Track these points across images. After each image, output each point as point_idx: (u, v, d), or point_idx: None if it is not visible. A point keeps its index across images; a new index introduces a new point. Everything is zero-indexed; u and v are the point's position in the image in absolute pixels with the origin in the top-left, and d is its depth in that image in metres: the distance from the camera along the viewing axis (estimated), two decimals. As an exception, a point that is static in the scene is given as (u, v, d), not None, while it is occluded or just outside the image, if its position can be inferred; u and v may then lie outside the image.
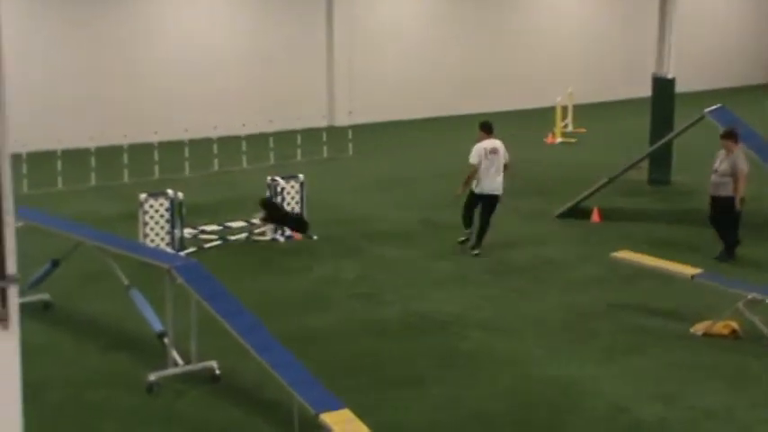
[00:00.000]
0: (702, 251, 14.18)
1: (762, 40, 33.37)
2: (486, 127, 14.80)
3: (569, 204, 16.51)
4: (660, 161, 18.48)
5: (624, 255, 12.65)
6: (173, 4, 24.21)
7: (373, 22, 26.86)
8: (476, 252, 14.43)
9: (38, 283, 11.75)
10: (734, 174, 13.71)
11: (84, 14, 23.08)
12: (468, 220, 14.79)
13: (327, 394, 8.39)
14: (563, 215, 16.44)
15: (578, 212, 16.38)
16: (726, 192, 13.82)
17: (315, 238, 15.21)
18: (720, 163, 13.91)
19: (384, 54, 27.03)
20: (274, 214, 15.12)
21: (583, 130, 24.76)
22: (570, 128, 24.87)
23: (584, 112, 26.00)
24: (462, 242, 14.75)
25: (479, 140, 14.67)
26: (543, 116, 25.75)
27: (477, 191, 14.59)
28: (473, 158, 14.50)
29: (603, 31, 30.58)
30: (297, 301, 12.42)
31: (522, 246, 14.95)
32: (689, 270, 11.77)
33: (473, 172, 14.47)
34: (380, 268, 13.81)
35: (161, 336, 10.03)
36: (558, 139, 23.84)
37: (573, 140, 23.92)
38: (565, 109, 24.89)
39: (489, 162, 14.49)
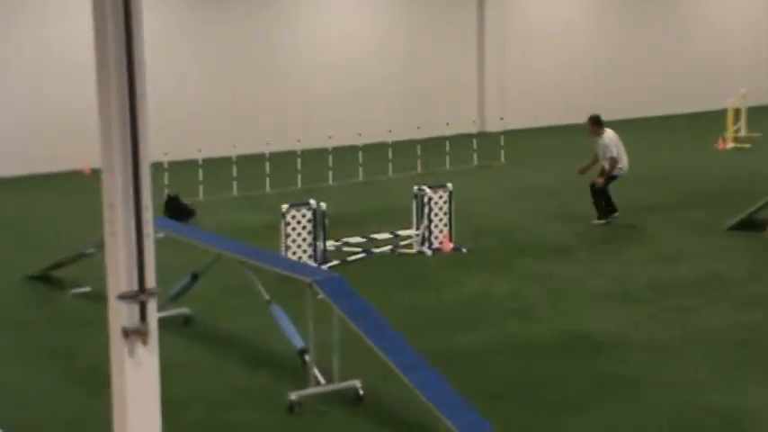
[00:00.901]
0: None
1: None
2: (600, 120, 16.80)
3: (741, 216, 16.06)
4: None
5: None
6: (315, 8, 24.61)
7: (526, 24, 26.74)
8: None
9: (178, 296, 12.10)
10: None
11: (229, 25, 23.69)
12: (605, 210, 16.66)
13: (477, 418, 8.35)
14: (734, 227, 16.00)
15: (752, 224, 15.92)
16: None
17: (464, 250, 15.21)
18: None
19: (537, 57, 26.86)
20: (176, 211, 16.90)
21: (757, 134, 24.05)
22: (743, 132, 24.19)
23: (759, 114, 25.25)
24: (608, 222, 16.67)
25: (598, 134, 16.73)
26: (713, 120, 25.11)
27: (616, 173, 16.63)
28: (613, 151, 16.52)
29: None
30: (444, 317, 12.43)
31: (689, 260, 14.61)
32: None
33: (614, 163, 16.43)
34: (534, 283, 13.70)
35: (302, 353, 10.19)
36: (730, 145, 23.23)
37: (746, 146, 23.26)
38: (737, 111, 24.22)
39: (621, 145, 16.66)
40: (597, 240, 15.82)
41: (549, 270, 14.31)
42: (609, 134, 16.70)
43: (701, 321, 12.06)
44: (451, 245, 15.33)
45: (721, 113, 24.27)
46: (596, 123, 16.81)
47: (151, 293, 5.56)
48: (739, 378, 10.31)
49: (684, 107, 28.12)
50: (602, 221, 16.71)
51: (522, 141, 24.30)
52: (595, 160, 17.03)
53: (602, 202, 16.79)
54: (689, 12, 28.88)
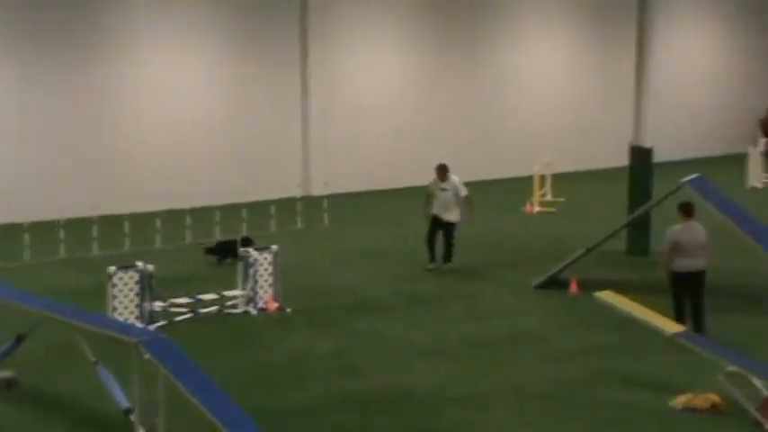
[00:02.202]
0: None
1: (739, 109, 33.77)
2: (447, 167, 17.96)
3: (547, 275, 16.54)
4: (639, 231, 18.55)
5: (607, 296, 12.50)
6: (140, 68, 24.28)
7: (350, 90, 27.01)
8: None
9: (1, 359, 11.63)
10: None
11: (56, 86, 23.14)
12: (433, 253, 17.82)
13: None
14: (541, 286, 16.46)
15: (556, 283, 16.41)
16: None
17: (288, 310, 15.16)
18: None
19: (361, 123, 27.15)
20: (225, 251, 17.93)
21: (561, 199, 24.88)
22: (549, 197, 24.98)
23: (563, 180, 26.15)
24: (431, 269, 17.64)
25: (445, 179, 17.75)
26: (521, 186, 25.85)
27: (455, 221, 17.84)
28: (465, 191, 17.83)
29: (583, 102, 30.85)
30: (270, 375, 12.33)
31: (500, 317, 14.94)
32: (672, 327, 11.71)
33: (470, 199, 17.87)
34: (357, 341, 13.75)
35: (127, 412, 9.93)
36: (537, 209, 23.93)
37: (551, 210, 24.02)
38: (543, 178, 25.03)
39: None
40: (418, 298, 16.01)
41: (372, 327, 14.40)
42: (456, 178, 17.89)
43: (511, 375, 12.33)
44: (276, 305, 15.26)
45: (529, 180, 24.97)
46: (444, 169, 17.88)
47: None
48: (545, 428, 10.56)
49: (497, 173, 28.83)
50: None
51: (346, 205, 24.45)
52: (429, 202, 17.97)
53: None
54: (505, 88, 29.65)
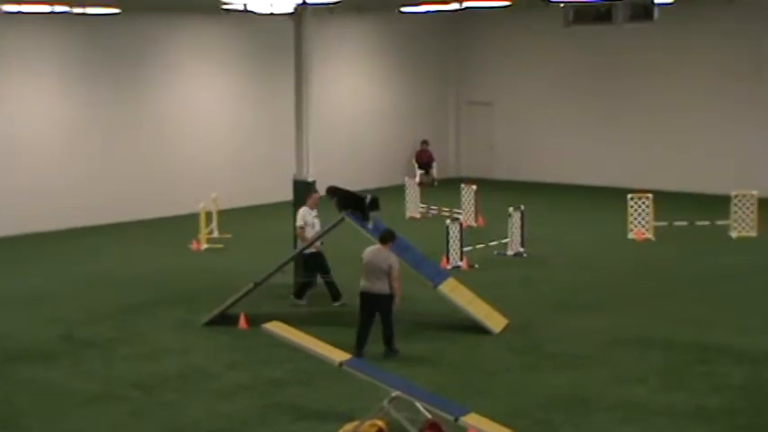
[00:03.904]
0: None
1: (398, 143, 35.49)
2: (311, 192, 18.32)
3: (216, 312, 16.61)
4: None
5: (275, 327, 12.65)
6: None
7: (5, 129, 25.93)
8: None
9: None
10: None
11: None
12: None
13: None
14: (210, 323, 16.51)
15: (226, 319, 16.52)
16: None
17: (-59, 363, 14.35)
18: None
19: (15, 162, 26.11)
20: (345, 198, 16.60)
21: (228, 235, 25.03)
22: (216, 233, 25.06)
23: (230, 217, 26.35)
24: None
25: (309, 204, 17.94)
26: (188, 224, 25.76)
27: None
28: (299, 221, 17.78)
29: (247, 137, 31.26)
30: None
31: (169, 357, 14.86)
32: (338, 355, 12.08)
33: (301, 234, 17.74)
34: (17, 390, 13.26)
35: None
36: (204, 246, 23.93)
37: (219, 246, 24.10)
38: (209, 215, 25.07)
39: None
40: (82, 343, 15.61)
41: (33, 376, 13.91)
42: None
43: (183, 415, 12.31)
44: (-73, 358, 14.39)
45: (195, 217, 24.92)
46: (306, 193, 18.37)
47: None
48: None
49: (162, 211, 28.58)
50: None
51: (3, 249, 23.40)
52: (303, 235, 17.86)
53: None
54: (165, 130, 29.43)
